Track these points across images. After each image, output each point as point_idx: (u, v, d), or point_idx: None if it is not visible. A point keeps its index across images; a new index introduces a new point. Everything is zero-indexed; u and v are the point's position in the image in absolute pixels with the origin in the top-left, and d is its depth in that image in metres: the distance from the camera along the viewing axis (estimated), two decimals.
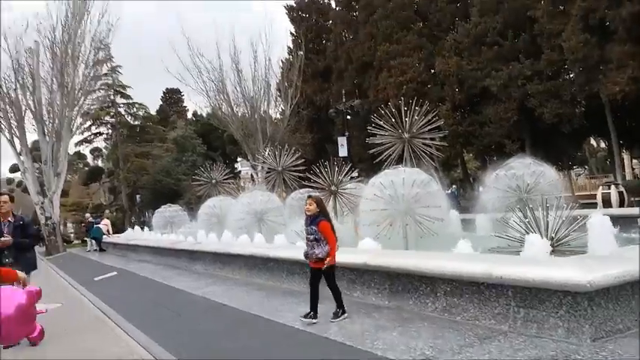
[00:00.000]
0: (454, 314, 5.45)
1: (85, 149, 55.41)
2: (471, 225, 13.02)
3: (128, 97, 51.97)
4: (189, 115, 60.40)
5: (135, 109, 52.72)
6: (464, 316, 5.34)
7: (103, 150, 55.88)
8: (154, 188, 43.14)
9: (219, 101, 34.52)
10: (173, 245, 14.96)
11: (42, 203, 28.36)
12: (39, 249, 24.95)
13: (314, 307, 5.90)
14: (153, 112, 57.29)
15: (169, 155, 47.26)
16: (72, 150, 44.86)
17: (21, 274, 3.95)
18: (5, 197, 6.57)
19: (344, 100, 29.69)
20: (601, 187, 19.47)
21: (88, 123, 47.16)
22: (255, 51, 33.61)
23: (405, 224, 10.17)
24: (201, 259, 12.52)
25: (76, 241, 37.94)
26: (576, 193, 27.98)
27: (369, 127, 13.39)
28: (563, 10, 23.76)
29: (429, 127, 12.37)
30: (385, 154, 12.82)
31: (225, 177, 21.58)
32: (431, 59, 30.42)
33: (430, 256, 6.34)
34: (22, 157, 28.93)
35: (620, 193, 17.72)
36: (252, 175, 37.46)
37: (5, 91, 27.99)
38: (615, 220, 6.88)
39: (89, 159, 58.44)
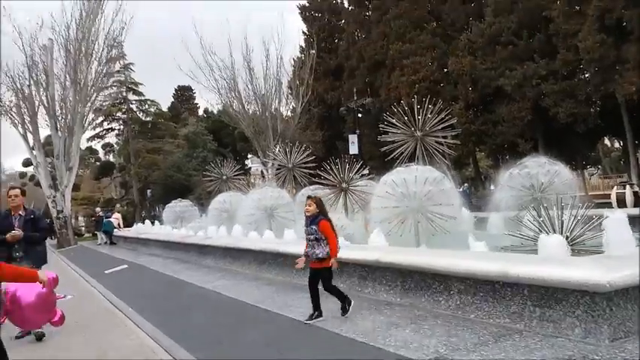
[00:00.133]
0: (468, 312, 5.36)
1: (97, 144, 55.78)
2: (484, 223, 12.93)
3: (140, 93, 52.25)
4: (201, 112, 60.63)
5: (147, 106, 53.00)
6: (478, 314, 5.25)
7: (115, 145, 56.22)
8: (165, 183, 43.35)
9: (230, 99, 34.58)
10: (183, 239, 15.00)
11: (54, 197, 28.62)
12: (50, 241, 25.16)
13: (317, 306, 5.83)
14: (164, 108, 57.58)
15: (180, 151, 47.45)
16: (84, 145, 45.08)
17: (41, 275, 3.80)
18: (16, 191, 6.55)
19: (355, 98, 29.56)
20: (615, 187, 19.23)
21: (100, 119, 47.43)
22: (268, 49, 33.57)
23: (417, 222, 10.10)
24: (211, 253, 12.53)
25: (86, 234, 38.22)
26: (590, 193, 27.64)
27: (381, 125, 13.33)
28: (579, 10, 23.48)
29: (442, 126, 12.29)
30: (397, 151, 12.75)
31: (235, 173, 21.64)
32: (444, 58, 30.22)
33: (443, 254, 6.26)
34: (34, 152, 29.22)
35: (635, 193, 17.49)
36: (262, 171, 37.52)
37: (19, 86, 28.30)
38: (631, 220, 6.75)
39: (101, 154, 58.78)
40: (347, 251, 7.52)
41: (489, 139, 28.14)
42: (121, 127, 52.48)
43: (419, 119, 12.33)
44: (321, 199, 6.20)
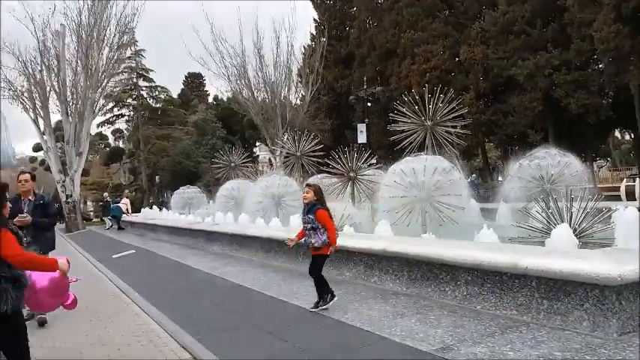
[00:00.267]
0: (474, 303, 5.32)
1: (107, 130, 56.10)
2: (491, 214, 12.85)
3: (150, 80, 52.35)
4: (210, 99, 60.67)
5: (157, 93, 53.12)
6: (484, 305, 5.21)
7: (125, 131, 56.55)
8: (174, 170, 43.57)
9: (240, 86, 34.48)
10: (191, 225, 15.06)
11: (63, 182, 28.84)
12: (59, 226, 25.39)
13: (321, 294, 5.78)
14: (174, 95, 57.70)
15: (189, 138, 47.59)
16: (94, 130, 45.38)
17: (62, 264, 3.75)
18: (26, 176, 6.53)
19: (365, 87, 29.35)
20: (625, 180, 19.03)
21: (111, 105, 47.59)
22: (278, 37, 33.40)
23: (425, 212, 10.04)
24: (218, 240, 12.57)
25: (95, 219, 38.56)
26: (598, 185, 27.41)
27: (391, 114, 13.23)
28: None
29: (453, 115, 12.17)
30: (407, 141, 12.66)
31: (243, 161, 21.68)
32: (456, 47, 29.91)
33: (451, 244, 6.21)
34: (45, 137, 29.46)
35: None
36: (270, 159, 37.49)
37: (31, 72, 28.43)
38: None
39: (110, 140, 59.16)
40: (353, 240, 7.52)
41: (499, 129, 27.91)
42: (131, 113, 52.70)
43: (429, 108, 12.21)
44: (319, 187, 6.05)
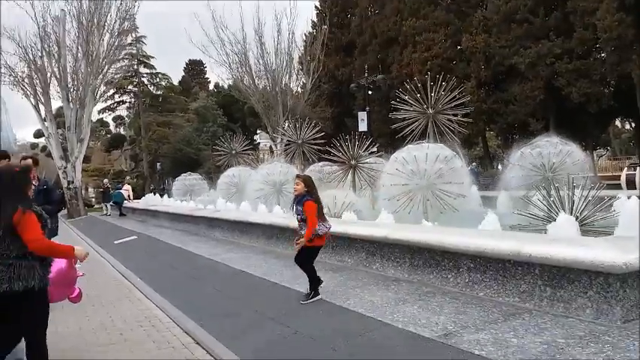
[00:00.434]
0: (477, 290, 5.32)
1: (108, 117, 56.08)
2: (492, 202, 12.84)
3: (151, 67, 52.19)
4: (211, 86, 60.45)
5: (157, 79, 52.99)
6: (487, 292, 5.21)
7: (126, 118, 56.49)
8: (175, 157, 43.55)
9: (241, 73, 34.35)
10: (192, 212, 15.07)
11: (65, 168, 28.84)
12: (61, 212, 25.44)
13: (315, 286, 5.67)
14: (175, 82, 57.50)
15: (190, 125, 47.51)
16: (95, 117, 45.39)
17: (78, 251, 3.78)
18: (28, 161, 6.51)
19: (366, 75, 29.19)
20: (626, 169, 19.01)
21: (112, 91, 47.53)
22: (279, 24, 33.22)
23: (426, 200, 10.02)
24: (220, 226, 12.58)
25: (96, 205, 38.61)
26: (598, 174, 27.39)
27: (392, 102, 13.17)
28: None
29: (455, 104, 12.12)
30: (408, 129, 12.62)
31: (244, 148, 21.65)
32: (458, 35, 29.71)
33: (453, 231, 6.19)
34: (46, 123, 29.35)
35: None
36: (270, 147, 37.44)
37: (32, 57, 28.27)
38: None
39: (111, 126, 59.16)
40: (355, 227, 7.51)
41: (500, 118, 27.82)
42: (132, 100, 52.61)
43: (431, 97, 12.15)
44: (309, 177, 5.92)
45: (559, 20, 24.82)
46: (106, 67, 30.67)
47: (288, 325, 4.85)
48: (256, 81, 34.13)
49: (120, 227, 18.22)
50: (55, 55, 28.64)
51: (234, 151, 21.02)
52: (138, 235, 14.57)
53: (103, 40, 29.48)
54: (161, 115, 49.51)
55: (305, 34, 37.35)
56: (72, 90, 29.08)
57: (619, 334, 3.85)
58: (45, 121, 29.31)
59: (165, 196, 25.17)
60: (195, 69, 64.98)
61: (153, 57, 51.65)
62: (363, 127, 26.16)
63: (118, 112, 55.12)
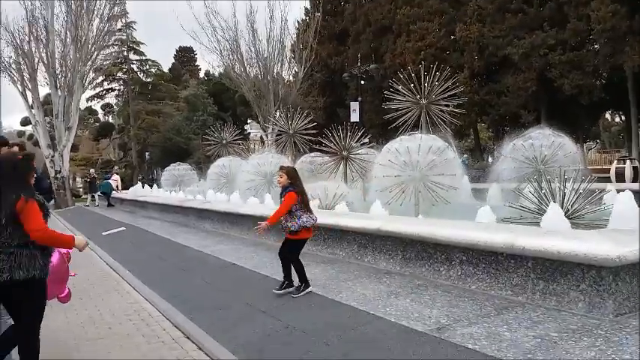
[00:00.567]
0: (469, 283, 5.30)
1: (97, 105, 55.40)
2: (482, 194, 12.86)
3: (141, 53, 51.53)
4: (202, 74, 59.88)
5: (147, 66, 52.38)
6: (479, 285, 5.19)
7: (115, 106, 55.83)
8: (164, 146, 43.18)
9: (232, 61, 33.96)
10: (182, 203, 14.93)
11: (52, 157, 28.45)
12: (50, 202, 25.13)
13: (301, 277, 5.62)
14: (165, 69, 56.87)
15: (180, 114, 47.08)
16: (83, 105, 44.73)
17: (78, 241, 3.61)
18: (15, 149, 6.37)
19: (359, 64, 29.02)
20: (615, 162, 19.16)
21: (101, 78, 46.96)
22: (272, 10, 32.84)
23: (418, 191, 9.99)
24: (209, 217, 12.47)
25: (84, 196, 38.27)
26: (588, 167, 27.58)
27: (385, 92, 13.08)
28: None
29: (449, 94, 12.06)
30: (401, 119, 12.55)
31: (235, 138, 21.47)
32: (452, 25, 29.55)
33: (446, 224, 6.15)
34: (33, 111, 28.82)
35: (635, 168, 17.45)
36: (261, 137, 37.20)
37: (19, 42, 27.71)
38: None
39: (100, 114, 58.46)
40: (347, 219, 7.45)
41: (492, 109, 27.83)
42: (121, 87, 51.98)
43: (425, 87, 12.07)
44: (293, 169, 5.88)
45: (553, 11, 24.75)
46: (95, 52, 30.20)
47: (280, 318, 4.80)
48: (248, 69, 33.77)
49: (108, 218, 18.03)
50: (43, 40, 28.07)
51: (224, 141, 20.83)
52: (126, 227, 14.42)
53: (92, 25, 29.02)
54: (150, 104, 49.01)
55: (298, 22, 37.02)
56: (60, 76, 28.59)
57: (611, 328, 3.85)
58: (32, 108, 28.80)
59: (155, 186, 24.91)
60: (185, 56, 64.32)
61: (143, 43, 51.09)
62: (355, 117, 26.03)
63: (106, 100, 54.50)
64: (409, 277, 5.90)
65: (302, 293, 5.49)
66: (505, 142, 14.19)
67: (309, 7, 38.77)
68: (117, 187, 25.30)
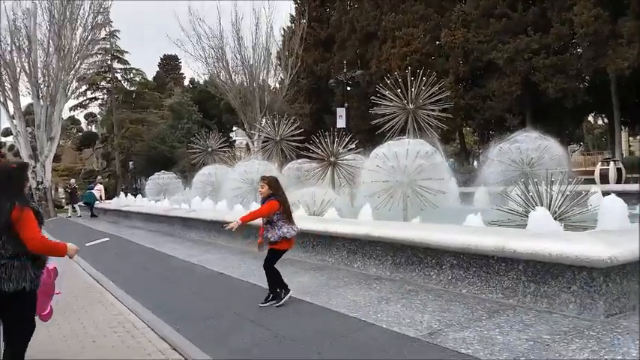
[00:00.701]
0: (460, 287, 5.26)
1: (80, 114, 54.77)
2: (469, 198, 12.89)
3: (125, 62, 51.11)
4: (186, 82, 59.56)
5: (131, 75, 51.95)
6: (470, 289, 5.15)
7: (98, 115, 55.23)
8: (148, 155, 42.73)
9: (217, 68, 33.84)
10: (167, 212, 14.73)
11: (34, 167, 27.93)
12: None
13: (274, 289, 5.51)
14: (150, 78, 56.48)
15: (165, 122, 46.70)
16: (66, 114, 44.25)
17: (70, 248, 3.61)
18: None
19: (345, 70, 29.09)
20: (599, 164, 19.41)
21: (84, 87, 46.36)
22: (257, 18, 32.83)
23: (406, 196, 9.96)
24: (195, 226, 12.31)
25: (66, 207, 37.71)
26: (572, 169, 27.91)
27: (372, 98, 13.08)
28: None
29: (436, 99, 12.09)
30: (388, 125, 12.54)
31: (220, 145, 21.31)
32: (437, 30, 29.73)
33: (436, 228, 6.11)
34: (14, 121, 28.38)
35: (619, 170, 17.67)
36: (247, 144, 37.04)
37: (1, 52, 27.25)
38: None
39: (83, 124, 57.80)
40: (336, 225, 7.39)
41: (478, 113, 28.01)
42: (105, 96, 51.45)
43: (412, 92, 12.09)
44: (274, 178, 5.74)
45: (537, 15, 25.05)
46: (79, 62, 29.87)
47: (269, 327, 4.69)
48: (233, 76, 33.68)
49: (91, 229, 17.72)
50: (26, 49, 27.71)
51: (209, 149, 20.65)
52: (110, 237, 14.10)
53: (75, 34, 28.72)
54: (134, 112, 48.53)
55: (283, 29, 37.06)
56: (42, 86, 28.22)
57: (603, 329, 3.84)
58: (13, 118, 28.35)
59: (139, 195, 24.58)
60: (170, 64, 63.97)
61: (127, 52, 50.66)
62: (341, 123, 26.04)
63: (90, 110, 53.87)
64: (399, 282, 5.84)
65: (284, 299, 5.38)
66: (491, 146, 14.26)
67: (294, 14, 38.83)
68: (100, 197, 24.93)
